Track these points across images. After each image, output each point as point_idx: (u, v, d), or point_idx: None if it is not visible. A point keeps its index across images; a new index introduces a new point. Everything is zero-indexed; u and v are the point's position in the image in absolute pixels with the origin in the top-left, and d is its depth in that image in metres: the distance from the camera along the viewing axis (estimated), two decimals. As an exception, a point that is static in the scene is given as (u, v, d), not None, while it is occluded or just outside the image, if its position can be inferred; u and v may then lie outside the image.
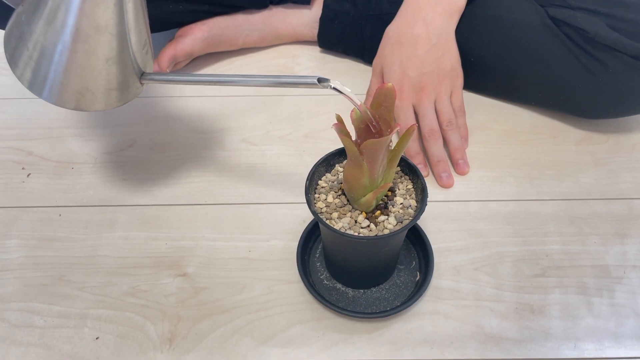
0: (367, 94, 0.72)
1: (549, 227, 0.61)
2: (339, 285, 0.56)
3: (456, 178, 0.66)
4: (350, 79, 0.78)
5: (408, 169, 0.52)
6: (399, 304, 0.54)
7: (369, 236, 0.47)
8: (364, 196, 0.47)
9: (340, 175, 0.51)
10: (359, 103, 0.44)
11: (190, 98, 0.76)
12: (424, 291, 0.54)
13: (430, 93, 0.65)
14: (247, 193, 0.65)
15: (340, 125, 0.42)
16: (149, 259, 0.59)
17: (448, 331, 0.53)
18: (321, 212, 0.49)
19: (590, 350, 0.52)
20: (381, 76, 0.69)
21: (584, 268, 0.57)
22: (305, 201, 0.48)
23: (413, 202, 0.50)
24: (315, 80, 0.45)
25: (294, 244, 0.58)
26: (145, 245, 0.60)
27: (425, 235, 0.58)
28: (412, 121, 0.66)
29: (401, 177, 0.52)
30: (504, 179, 0.66)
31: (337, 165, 0.52)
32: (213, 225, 0.62)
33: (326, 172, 0.52)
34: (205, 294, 0.56)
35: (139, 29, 0.49)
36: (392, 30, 0.68)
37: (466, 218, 0.62)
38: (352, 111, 0.43)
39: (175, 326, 0.53)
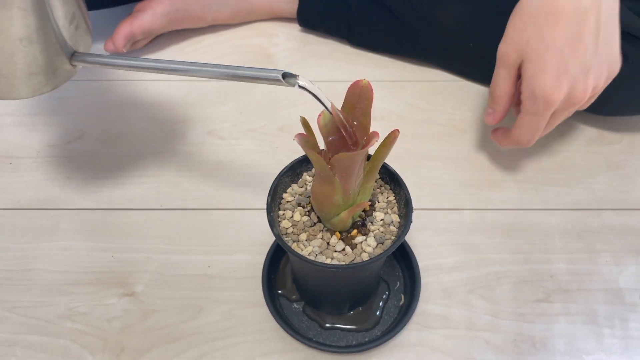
0: (493, 94, 0.52)
1: (554, 241, 0.53)
2: (310, 309, 0.48)
3: (449, 185, 0.58)
4: (334, 64, 0.69)
5: (389, 176, 0.43)
6: (379, 334, 0.46)
7: (343, 265, 0.39)
8: (337, 215, 0.39)
9: (310, 187, 0.43)
10: (329, 105, 0.35)
11: (149, 82, 0.67)
12: (409, 319, 0.47)
13: (581, 103, 0.48)
14: (210, 196, 0.56)
15: (304, 137, 0.34)
16: (92, 275, 0.51)
17: (435, 367, 0.45)
18: (286, 234, 0.41)
19: (599, 392, 0.44)
20: (516, 69, 0.49)
21: (594, 292, 0.50)
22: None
23: (395, 218, 0.42)
24: (280, 76, 0.36)
25: (261, 259, 0.50)
26: (89, 257, 0.52)
27: (411, 251, 0.50)
28: (540, 135, 0.52)
29: (380, 186, 0.43)
30: (504, 184, 0.57)
31: (305, 174, 0.44)
32: (169, 234, 0.53)
33: (292, 182, 0.43)
34: (155, 318, 0.48)
35: (63, 0, 0.40)
36: (538, 0, 0.47)
37: (459, 230, 0.54)
38: (319, 116, 0.34)
39: (117, 357, 0.46)
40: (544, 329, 0.48)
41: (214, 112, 0.64)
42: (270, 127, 0.62)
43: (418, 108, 0.65)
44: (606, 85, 0.50)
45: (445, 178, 0.58)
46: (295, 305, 0.48)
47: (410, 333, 0.47)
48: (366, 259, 0.39)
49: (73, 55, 0.43)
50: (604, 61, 0.48)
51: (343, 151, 0.37)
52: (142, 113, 0.64)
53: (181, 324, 0.48)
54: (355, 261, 0.39)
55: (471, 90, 0.66)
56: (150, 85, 0.66)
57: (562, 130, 0.62)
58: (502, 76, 0.51)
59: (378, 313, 0.47)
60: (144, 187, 0.57)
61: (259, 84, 0.66)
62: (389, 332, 0.46)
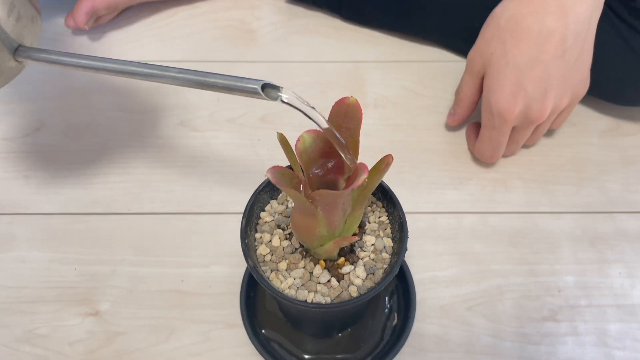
0: (457, 96, 0.52)
1: (562, 250, 0.48)
2: (294, 332, 0.43)
3: (449, 183, 0.52)
4: (323, 40, 0.62)
5: (381, 192, 0.38)
6: (369, 360, 0.42)
7: (326, 304, 0.34)
8: (321, 245, 0.34)
9: (292, 204, 0.38)
10: (323, 122, 0.29)
11: (117, 63, 0.60)
12: (403, 342, 0.42)
13: (542, 121, 0.47)
14: (183, 199, 0.51)
15: (278, 171, 0.28)
16: (52, 291, 0.46)
17: (430, 397, 0.42)
18: (264, 262, 0.35)
19: None
20: (480, 78, 0.49)
21: (606, 309, 0.45)
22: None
23: (388, 242, 0.37)
24: (258, 88, 0.30)
25: (239, 271, 0.45)
26: (49, 270, 0.47)
27: (406, 264, 0.46)
28: (502, 151, 0.51)
29: (372, 203, 0.38)
30: (509, 183, 0.52)
31: (287, 190, 0.38)
32: (138, 243, 0.48)
33: (271, 198, 0.38)
34: (122, 341, 0.44)
35: None
36: (507, 15, 0.45)
37: (459, 236, 0.49)
38: (297, 140, 0.28)
39: (80, 387, 0.42)
40: (550, 352, 0.43)
41: (187, 99, 0.57)
42: (251, 117, 0.56)
43: (416, 93, 0.58)
44: (572, 106, 0.49)
45: (445, 175, 0.52)
46: (277, 325, 0.44)
47: (404, 358, 0.43)
48: (354, 294, 0.34)
49: (17, 50, 0.37)
50: (568, 83, 0.46)
51: (328, 178, 0.31)
52: (108, 100, 0.57)
53: (150, 347, 0.43)
54: (342, 295, 0.34)
55: (474, 73, 0.60)
56: (117, 67, 0.59)
57: (574, 120, 0.56)
58: (466, 82, 0.50)
59: (371, 341, 0.43)
60: (110, 188, 0.51)
61: (243, 63, 0.60)
62: (381, 359, 0.42)
